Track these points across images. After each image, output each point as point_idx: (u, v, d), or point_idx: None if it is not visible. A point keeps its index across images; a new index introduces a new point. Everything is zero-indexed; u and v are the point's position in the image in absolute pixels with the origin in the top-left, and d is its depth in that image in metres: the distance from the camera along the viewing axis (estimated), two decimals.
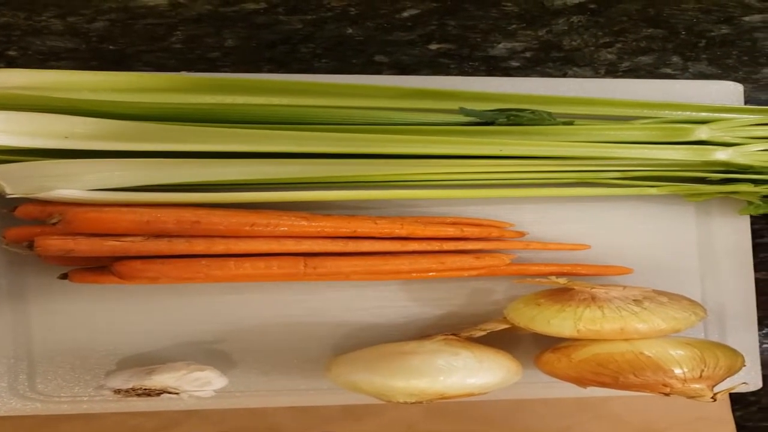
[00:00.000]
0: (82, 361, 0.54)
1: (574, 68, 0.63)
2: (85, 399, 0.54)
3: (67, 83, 0.50)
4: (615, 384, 0.51)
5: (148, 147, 0.49)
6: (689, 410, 0.60)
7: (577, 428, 0.60)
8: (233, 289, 0.55)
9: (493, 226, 0.56)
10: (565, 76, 0.63)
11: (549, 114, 0.55)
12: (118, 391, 0.49)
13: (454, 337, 0.54)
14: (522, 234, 0.58)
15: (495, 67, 0.63)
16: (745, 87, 0.62)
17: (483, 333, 0.55)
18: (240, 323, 0.56)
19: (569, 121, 0.56)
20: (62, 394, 0.54)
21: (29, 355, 0.54)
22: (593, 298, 0.53)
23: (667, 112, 0.58)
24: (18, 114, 0.47)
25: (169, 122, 0.50)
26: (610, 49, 0.64)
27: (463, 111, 0.55)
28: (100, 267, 0.50)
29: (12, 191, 0.47)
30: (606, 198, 0.59)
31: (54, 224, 0.47)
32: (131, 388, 0.49)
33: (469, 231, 0.55)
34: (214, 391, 0.51)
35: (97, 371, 0.54)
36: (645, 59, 0.64)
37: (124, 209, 0.47)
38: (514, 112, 0.55)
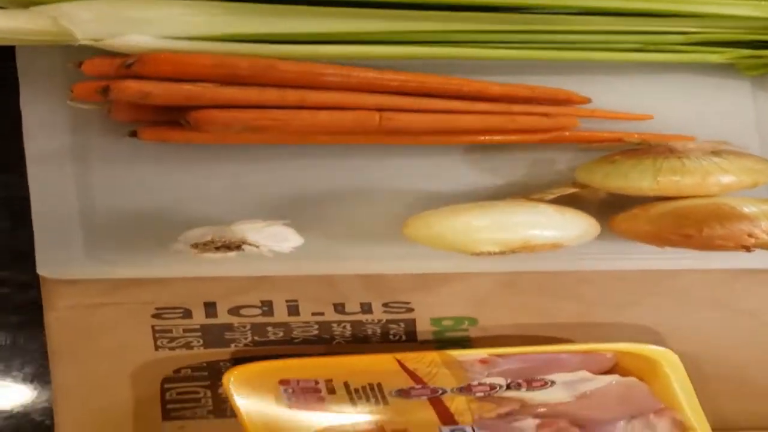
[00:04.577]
0: (148, 224, 0.52)
1: None
2: (153, 262, 0.52)
3: None
4: (698, 236, 0.49)
5: None
6: None
7: (645, 301, 0.60)
8: (301, 152, 0.53)
9: (560, 90, 0.54)
10: None
11: None
12: (195, 246, 0.47)
13: (524, 199, 0.53)
14: (588, 100, 0.55)
15: None
16: None
17: (552, 196, 0.53)
18: (309, 188, 0.54)
19: None
20: (128, 258, 0.52)
21: (93, 218, 0.52)
22: (671, 150, 0.52)
23: None
24: None
25: None
26: None
27: None
28: (169, 122, 0.47)
29: (82, 36, 0.44)
30: (666, 68, 0.57)
31: (129, 66, 0.44)
32: (209, 241, 0.47)
33: (539, 91, 0.53)
34: (292, 248, 0.49)
35: (165, 235, 0.50)
36: None
37: (199, 54, 0.46)
38: None
